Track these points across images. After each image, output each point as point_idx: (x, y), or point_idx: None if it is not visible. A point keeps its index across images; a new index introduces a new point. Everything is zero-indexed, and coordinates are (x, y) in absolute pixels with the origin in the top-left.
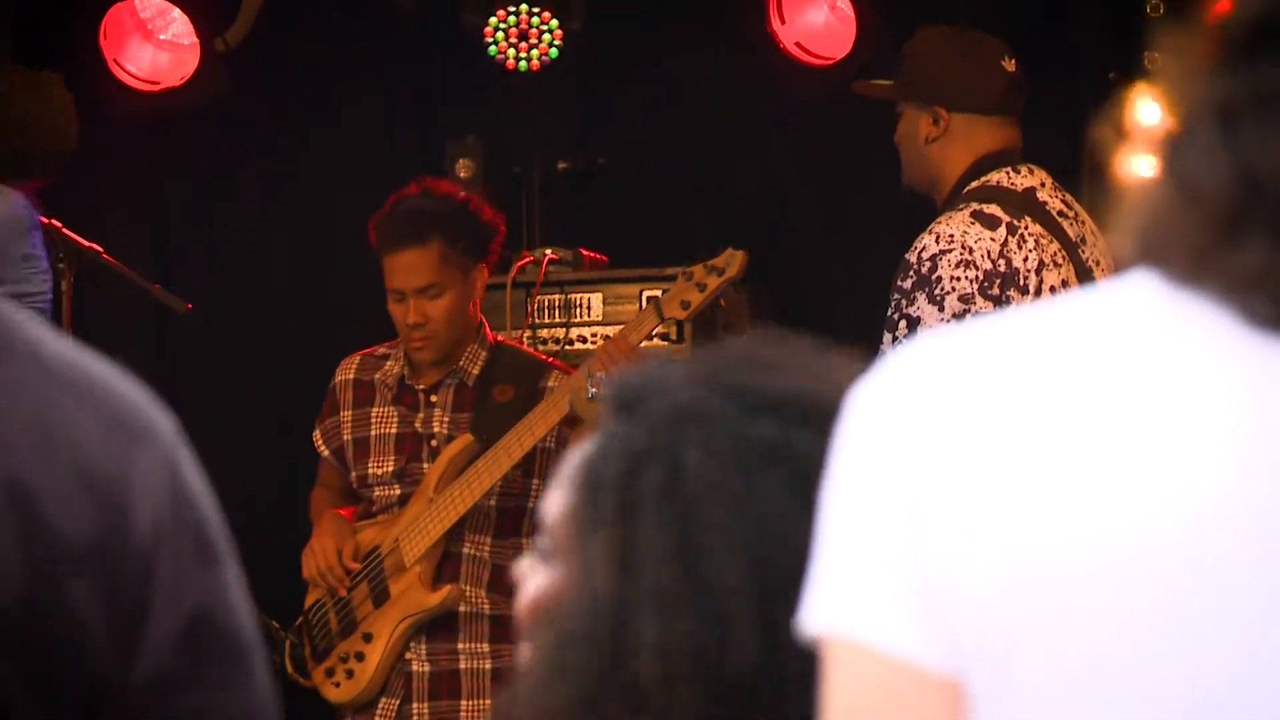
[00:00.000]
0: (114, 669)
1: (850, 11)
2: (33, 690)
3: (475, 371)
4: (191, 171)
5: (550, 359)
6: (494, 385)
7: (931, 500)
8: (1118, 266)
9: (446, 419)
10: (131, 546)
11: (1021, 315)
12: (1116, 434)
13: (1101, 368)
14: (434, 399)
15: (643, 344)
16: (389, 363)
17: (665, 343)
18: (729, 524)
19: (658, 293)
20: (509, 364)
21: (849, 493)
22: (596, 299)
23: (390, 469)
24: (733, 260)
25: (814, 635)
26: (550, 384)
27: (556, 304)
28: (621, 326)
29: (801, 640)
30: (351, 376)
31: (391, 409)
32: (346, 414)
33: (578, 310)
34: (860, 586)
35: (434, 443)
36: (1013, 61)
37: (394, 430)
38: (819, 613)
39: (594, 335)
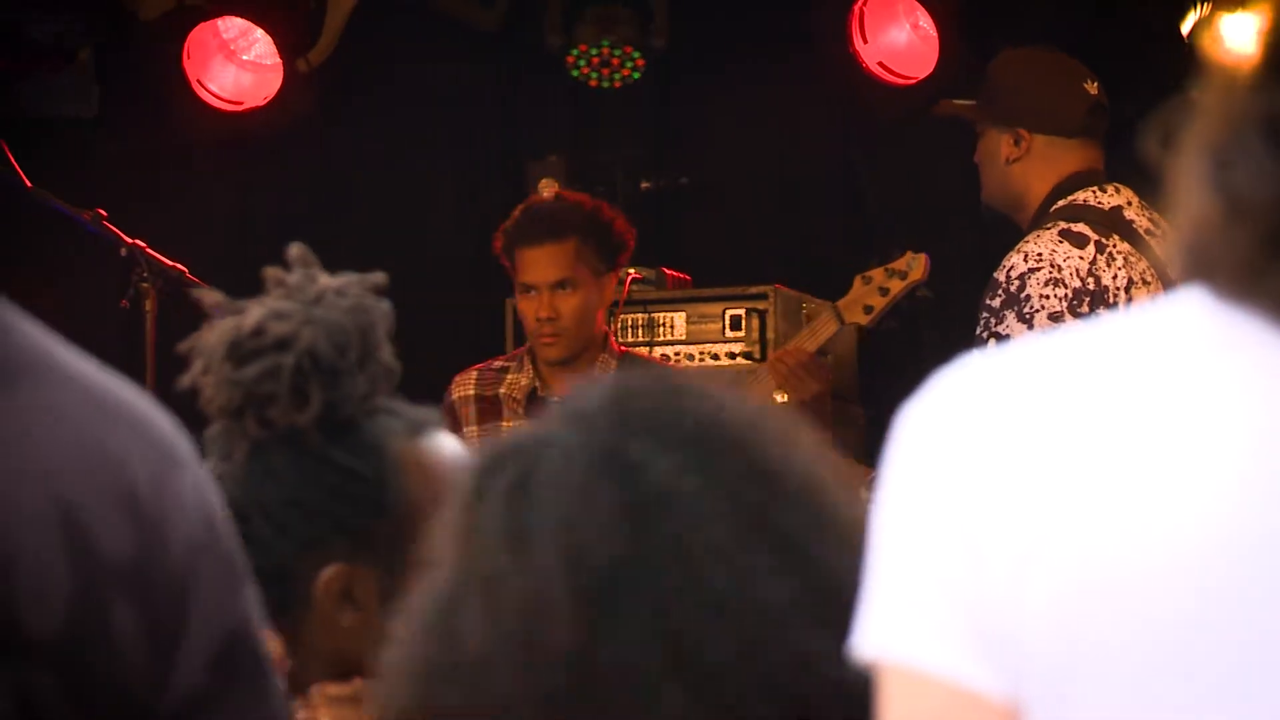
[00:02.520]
0: (149, 687)
1: (933, 31)
2: (71, 704)
3: None
4: (275, 191)
5: (678, 367)
6: None
7: (986, 522)
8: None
9: None
10: (169, 568)
11: (1070, 334)
12: (1167, 452)
13: (1150, 386)
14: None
15: (729, 363)
16: (510, 375)
17: (749, 361)
18: (558, 522)
19: (741, 311)
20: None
21: (902, 516)
22: (680, 318)
23: None
24: (915, 263)
25: (869, 661)
26: None
27: (640, 323)
28: (803, 330)
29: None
30: (472, 392)
31: (524, 423)
32: (472, 429)
33: (661, 329)
34: (915, 611)
35: None
36: (1095, 84)
37: None
38: (874, 638)
39: (677, 354)
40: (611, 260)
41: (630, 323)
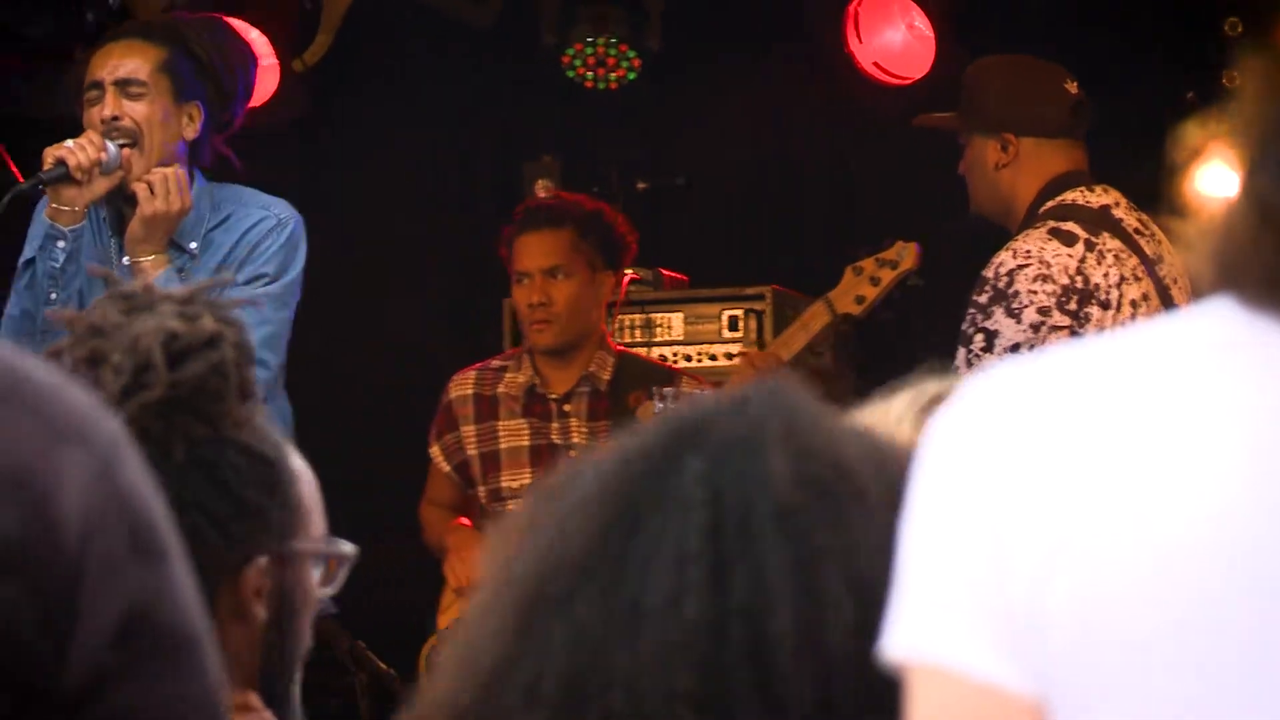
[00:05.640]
0: (46, 669)
1: (929, 31)
2: None
3: (606, 377)
4: (270, 190)
5: (676, 367)
6: (627, 393)
7: (1012, 523)
8: (1195, 287)
9: (584, 428)
10: (58, 546)
11: (1099, 342)
12: (1188, 457)
13: (1173, 394)
14: (567, 408)
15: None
16: (509, 374)
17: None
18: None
19: (738, 312)
20: (638, 372)
21: (930, 519)
22: (678, 318)
23: (527, 482)
24: (906, 252)
25: (896, 661)
26: (684, 390)
27: (638, 323)
28: (793, 324)
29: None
30: (470, 391)
31: (522, 421)
32: (469, 429)
33: (659, 330)
34: (944, 612)
35: (572, 453)
36: (1075, 84)
37: (526, 443)
38: (902, 638)
39: (675, 355)
40: (611, 259)
41: (628, 323)
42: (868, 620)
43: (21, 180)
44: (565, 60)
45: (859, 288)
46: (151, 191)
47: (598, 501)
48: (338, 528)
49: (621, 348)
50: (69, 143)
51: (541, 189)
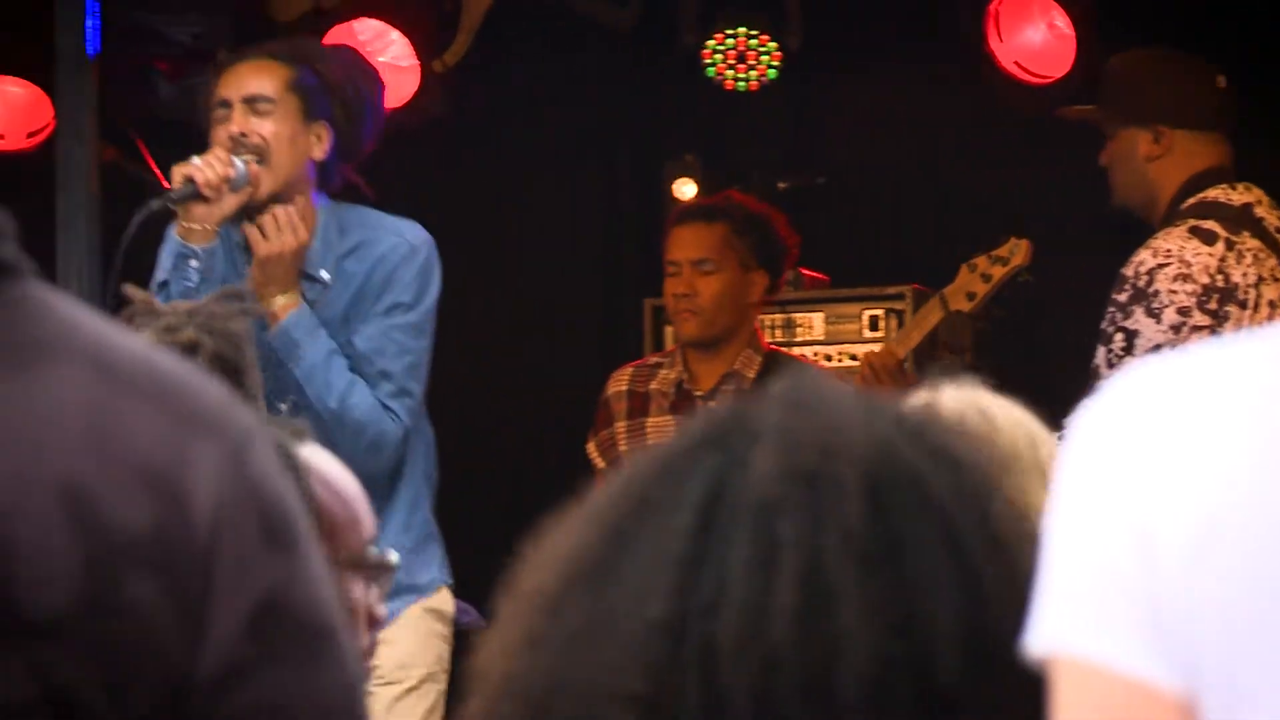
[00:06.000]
0: (182, 660)
1: (1069, 30)
2: (99, 685)
3: (751, 376)
4: (410, 192)
5: (826, 366)
6: None
7: (1158, 514)
8: None
9: None
10: (191, 537)
11: (1248, 338)
12: None
13: None
14: (712, 406)
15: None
16: (664, 370)
17: None
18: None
19: (879, 311)
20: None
21: (1072, 512)
22: (818, 318)
23: None
24: (1017, 249)
25: (1041, 656)
26: None
27: (778, 323)
28: (910, 322)
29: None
30: (625, 388)
31: (669, 418)
32: (621, 425)
33: (800, 329)
34: (1090, 606)
35: None
36: (1223, 78)
37: None
38: (1045, 632)
39: (815, 355)
40: (767, 260)
41: (768, 323)
42: (816, 608)
43: (165, 182)
44: (705, 55)
45: (971, 284)
46: (263, 234)
47: (610, 505)
48: (492, 534)
49: (772, 347)
50: (196, 159)
51: (681, 189)
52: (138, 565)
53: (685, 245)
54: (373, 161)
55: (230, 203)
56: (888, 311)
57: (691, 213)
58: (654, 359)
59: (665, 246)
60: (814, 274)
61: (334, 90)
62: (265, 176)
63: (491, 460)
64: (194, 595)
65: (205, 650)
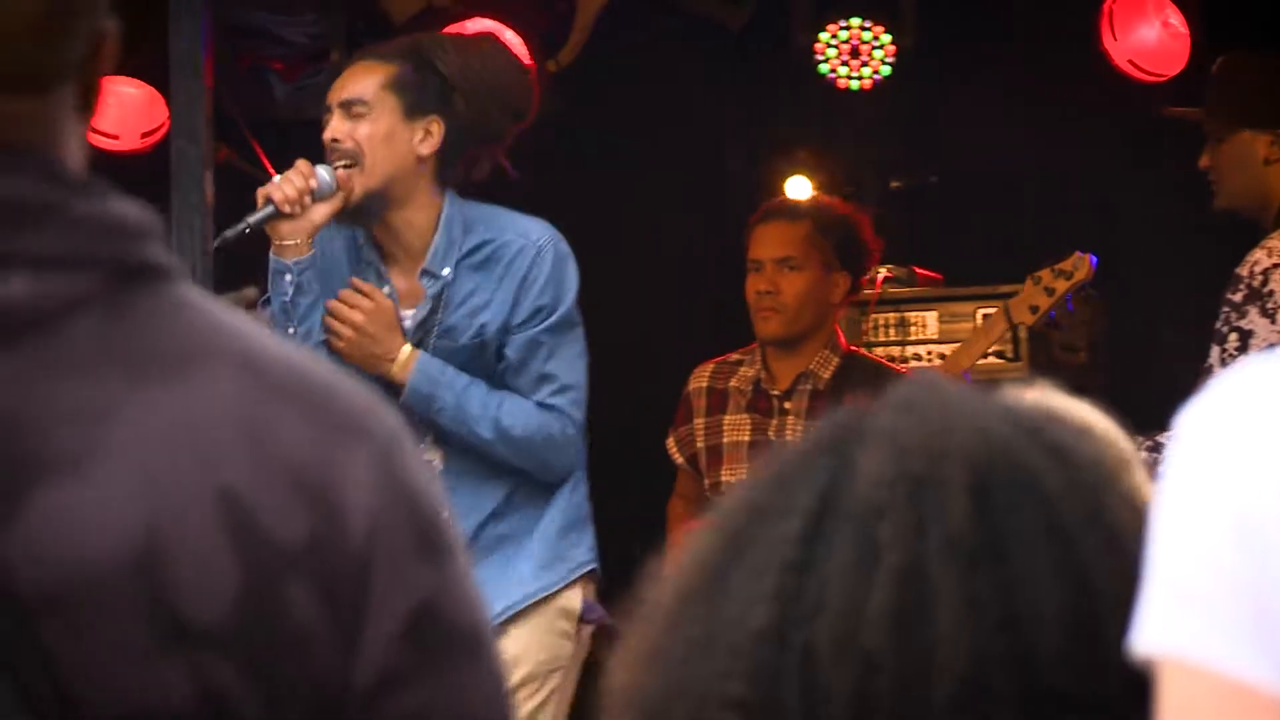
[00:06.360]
0: (338, 668)
1: (1183, 28)
2: (256, 692)
3: (827, 376)
4: (525, 191)
5: (904, 369)
6: (848, 393)
7: (1269, 516)
8: None
9: (800, 426)
10: (347, 544)
11: None
12: None
13: None
14: (788, 405)
15: (979, 361)
16: (743, 368)
17: (1001, 361)
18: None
19: (992, 310)
20: (865, 373)
21: (1181, 510)
22: (932, 317)
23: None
24: (1080, 264)
25: (1147, 656)
26: None
27: (892, 322)
28: (970, 334)
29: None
30: (705, 384)
31: (745, 416)
32: (699, 421)
33: (913, 328)
34: (1196, 605)
35: None
36: None
37: (747, 438)
38: (1152, 633)
39: (929, 354)
40: (850, 261)
41: (881, 322)
42: (914, 611)
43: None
44: (818, 50)
45: (1034, 297)
46: (339, 336)
47: (729, 514)
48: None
49: (851, 348)
50: (277, 178)
51: (794, 189)
52: (295, 573)
53: (769, 243)
54: (506, 169)
55: (320, 212)
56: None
57: (775, 211)
58: (735, 356)
59: (748, 244)
60: (928, 273)
61: (451, 81)
62: (359, 179)
63: (632, 462)
64: (350, 603)
65: (360, 658)
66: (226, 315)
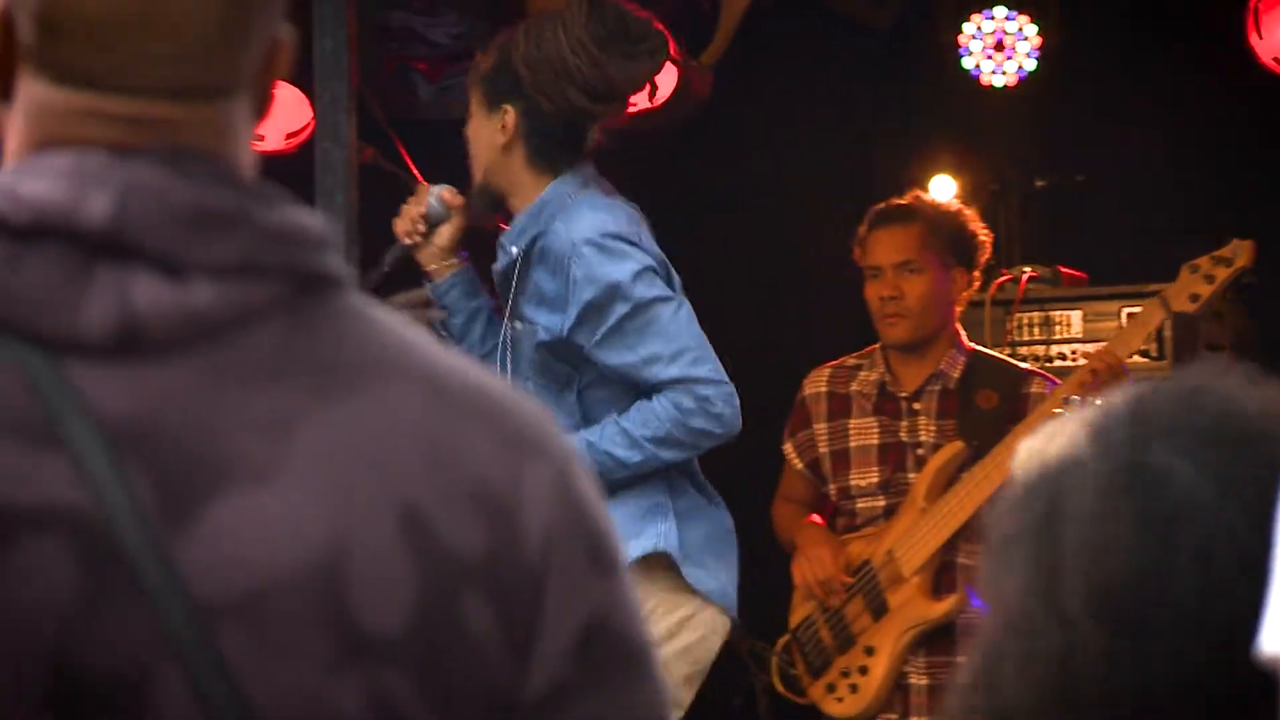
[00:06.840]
0: (509, 681)
1: None
2: (429, 703)
3: (956, 375)
4: (669, 189)
5: (1031, 368)
6: (976, 391)
7: None
8: None
9: (933, 427)
10: (523, 559)
11: None
12: None
13: None
14: (917, 406)
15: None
16: (863, 372)
17: (1146, 360)
18: (1079, 548)
19: (1138, 309)
20: (989, 370)
21: None
22: (1076, 316)
23: (875, 480)
24: (1240, 250)
25: (1272, 659)
26: (1034, 390)
27: (1036, 321)
28: (1124, 327)
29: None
30: (824, 389)
31: (872, 419)
32: (821, 426)
33: (1058, 328)
34: None
35: (920, 451)
36: None
37: (876, 441)
38: (1275, 636)
39: (1074, 353)
40: (963, 256)
41: (1026, 321)
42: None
43: (424, 184)
44: (961, 42)
45: (1194, 285)
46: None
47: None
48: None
49: (973, 347)
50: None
51: (939, 187)
52: (472, 588)
53: (886, 249)
54: (631, 159)
55: (444, 235)
56: None
57: (886, 215)
58: (852, 360)
59: (862, 252)
60: (1072, 272)
61: (516, 67)
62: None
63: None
64: (524, 617)
65: (532, 671)
66: (402, 327)
